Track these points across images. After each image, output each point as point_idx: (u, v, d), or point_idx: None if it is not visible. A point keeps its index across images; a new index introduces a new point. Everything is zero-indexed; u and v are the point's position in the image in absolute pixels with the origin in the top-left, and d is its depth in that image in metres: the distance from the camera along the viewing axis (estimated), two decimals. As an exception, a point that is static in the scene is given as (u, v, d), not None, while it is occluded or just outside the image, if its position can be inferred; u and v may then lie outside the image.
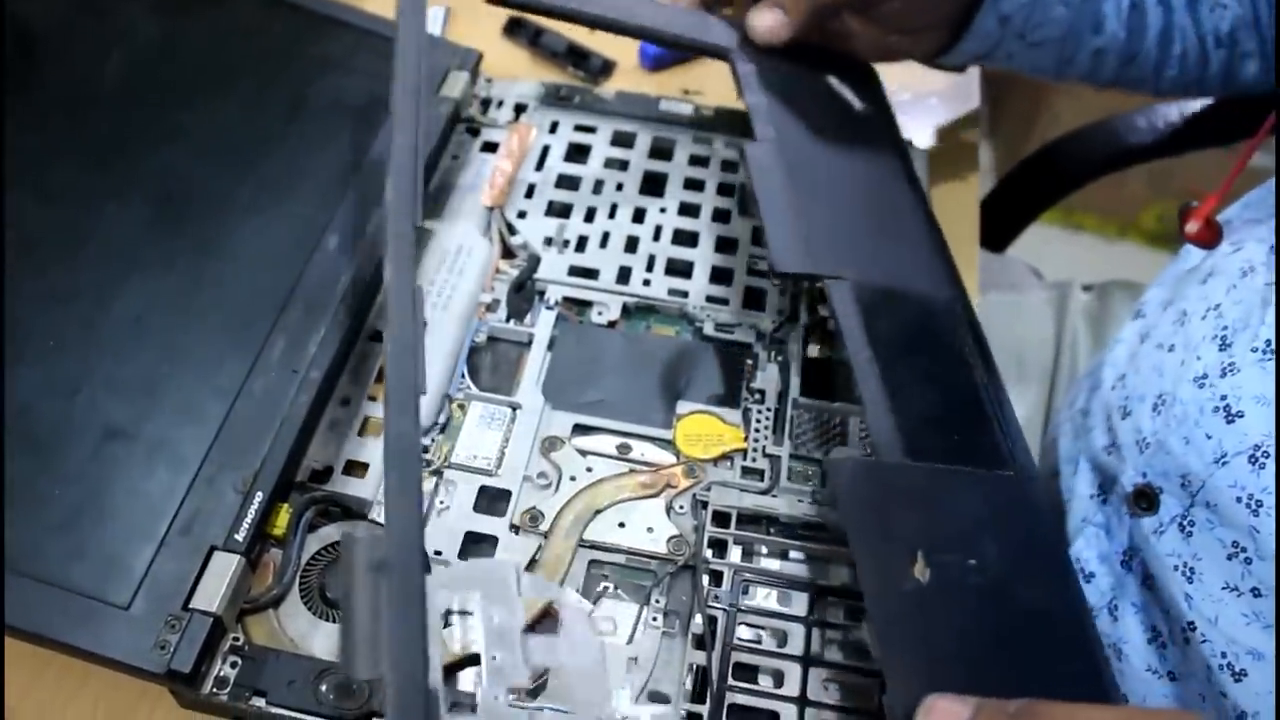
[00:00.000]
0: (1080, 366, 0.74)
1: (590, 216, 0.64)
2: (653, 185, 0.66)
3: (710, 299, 0.61)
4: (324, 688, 0.44)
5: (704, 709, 0.46)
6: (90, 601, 0.44)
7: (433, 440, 0.53)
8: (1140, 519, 0.49)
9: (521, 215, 0.63)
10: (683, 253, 0.62)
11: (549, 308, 0.59)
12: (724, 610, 0.49)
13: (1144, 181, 1.62)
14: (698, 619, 0.49)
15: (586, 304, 0.60)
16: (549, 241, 0.62)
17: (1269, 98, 0.65)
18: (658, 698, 0.47)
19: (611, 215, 0.64)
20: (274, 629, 0.47)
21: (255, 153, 0.59)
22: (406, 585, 0.35)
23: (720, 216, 0.64)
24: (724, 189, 0.66)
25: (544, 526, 0.51)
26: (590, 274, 0.61)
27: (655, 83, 0.75)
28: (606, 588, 0.50)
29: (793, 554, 0.52)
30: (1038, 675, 0.44)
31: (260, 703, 0.44)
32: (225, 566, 0.45)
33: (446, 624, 0.43)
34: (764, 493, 0.53)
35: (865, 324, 0.51)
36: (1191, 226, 0.54)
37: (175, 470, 0.47)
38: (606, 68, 0.75)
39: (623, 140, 0.68)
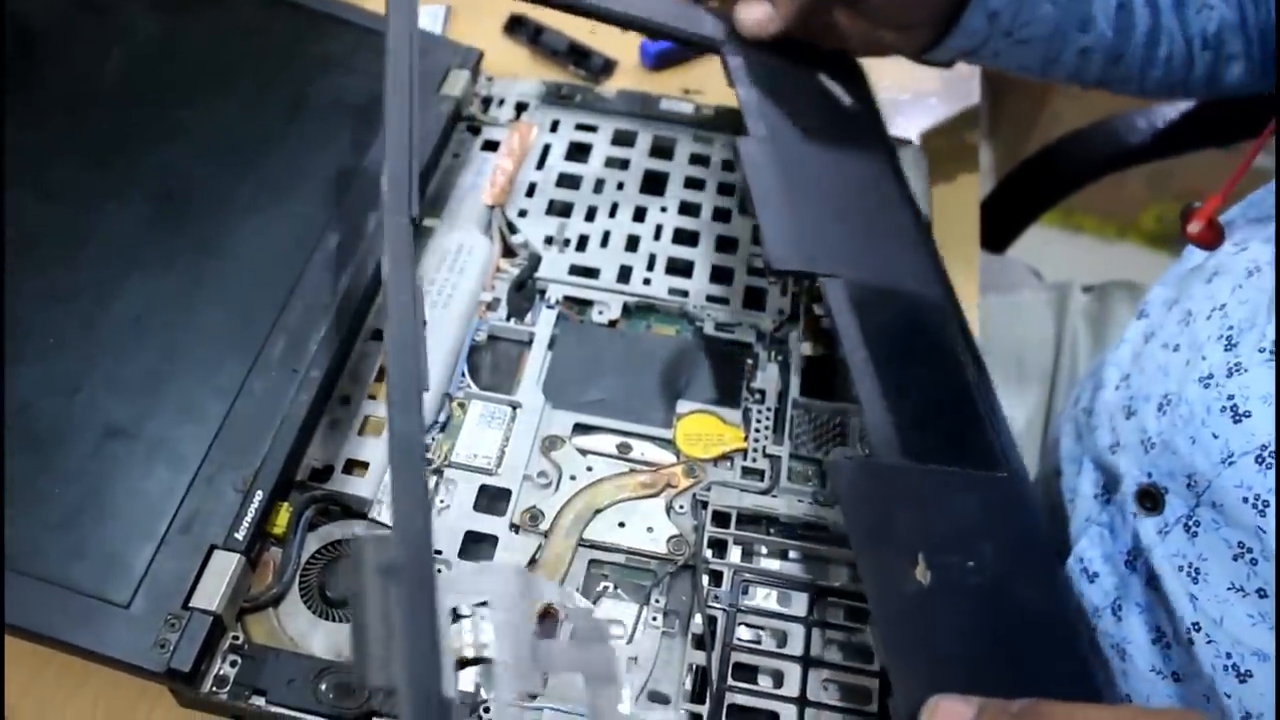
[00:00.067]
0: (1080, 367, 0.74)
1: (591, 215, 0.64)
2: (653, 184, 0.66)
3: (710, 298, 0.61)
4: (324, 686, 0.44)
5: (704, 709, 0.46)
6: (90, 600, 0.44)
7: (433, 439, 0.53)
8: (1145, 519, 0.49)
9: (522, 214, 0.63)
10: (683, 252, 0.62)
11: (549, 307, 0.59)
12: (724, 610, 0.49)
13: (1143, 183, 1.62)
14: (697, 619, 0.49)
15: (587, 303, 0.60)
16: (550, 240, 0.62)
17: (1269, 99, 0.65)
18: (657, 698, 0.47)
19: (612, 214, 0.64)
20: (274, 628, 0.47)
21: (256, 152, 0.58)
22: (417, 589, 0.34)
23: (721, 216, 0.64)
24: (724, 188, 0.66)
25: (544, 526, 0.51)
26: (591, 273, 0.61)
27: (656, 82, 0.75)
28: (606, 587, 0.50)
29: (792, 554, 0.52)
30: (1034, 675, 0.44)
31: (260, 701, 0.44)
32: (225, 565, 0.45)
33: (457, 628, 0.43)
34: (764, 493, 0.53)
35: (860, 323, 0.51)
36: (1194, 227, 0.54)
37: (175, 469, 0.47)
38: (607, 67, 0.75)
39: (623, 139, 0.68)
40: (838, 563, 0.51)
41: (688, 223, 0.64)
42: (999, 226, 0.90)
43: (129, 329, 0.51)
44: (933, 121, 0.76)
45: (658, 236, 0.63)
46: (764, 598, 0.50)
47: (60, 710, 0.48)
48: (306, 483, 0.51)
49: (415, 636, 0.33)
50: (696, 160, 0.67)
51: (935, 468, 0.48)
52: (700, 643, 0.48)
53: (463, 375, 0.56)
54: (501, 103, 0.69)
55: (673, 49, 0.75)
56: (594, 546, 0.51)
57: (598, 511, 0.51)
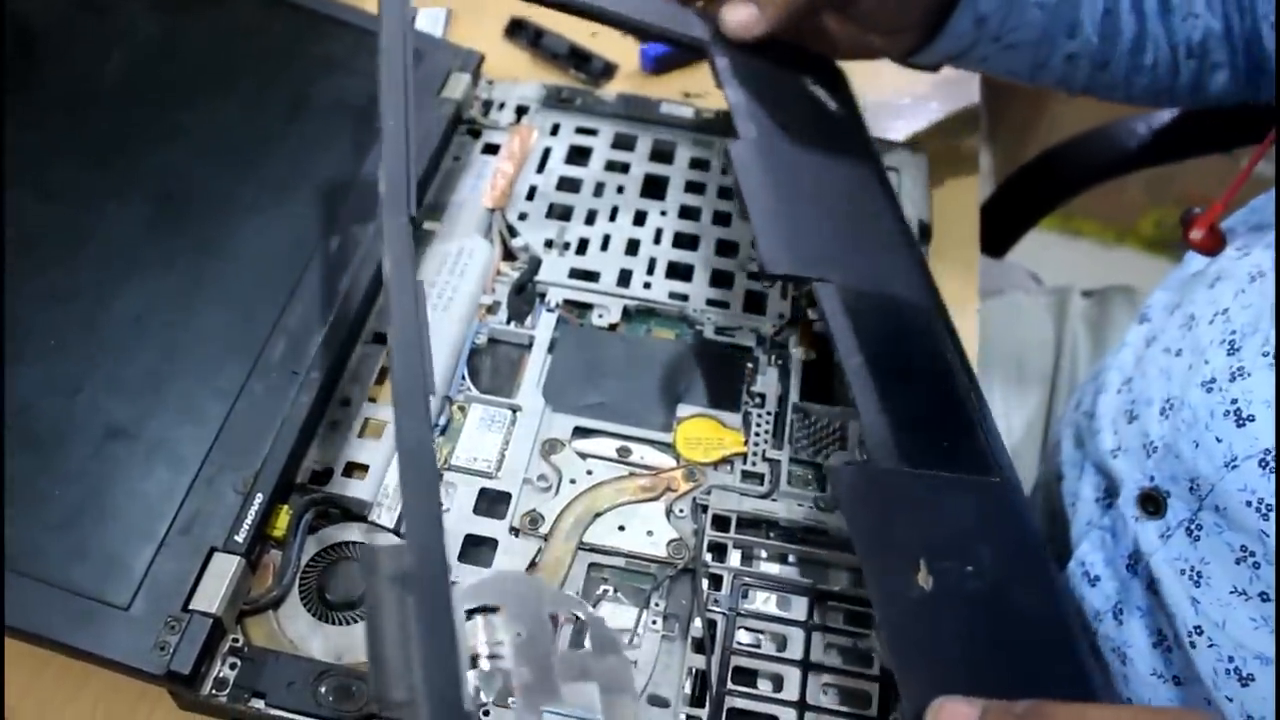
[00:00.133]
0: (1080, 372, 0.74)
1: (591, 219, 0.64)
2: (653, 188, 0.66)
3: (710, 302, 0.61)
4: (323, 689, 0.44)
5: (703, 713, 0.46)
6: (90, 602, 0.44)
7: (433, 442, 0.53)
8: (1146, 523, 0.49)
9: (522, 217, 0.63)
10: (683, 256, 0.62)
11: (550, 310, 0.59)
12: (723, 614, 0.49)
13: (1142, 188, 1.63)
14: (697, 623, 0.49)
15: (587, 306, 0.60)
16: (550, 244, 0.62)
17: (1269, 107, 0.65)
18: (657, 701, 0.47)
19: (612, 218, 0.64)
20: (273, 630, 0.47)
21: (256, 153, 0.58)
22: (434, 599, 0.34)
23: (721, 219, 0.64)
24: (725, 192, 0.66)
25: (544, 529, 0.51)
26: (591, 277, 0.61)
27: (656, 85, 0.75)
28: (606, 591, 0.50)
29: (792, 558, 0.52)
30: (1034, 677, 0.44)
31: (259, 704, 0.44)
32: (225, 568, 0.45)
33: (473, 640, 0.43)
34: (764, 497, 0.53)
35: (854, 328, 0.51)
36: (1196, 234, 0.54)
37: (176, 471, 0.47)
38: (608, 70, 0.75)
39: (624, 143, 0.68)
40: (837, 567, 0.51)
41: (688, 226, 0.64)
42: (999, 231, 0.90)
43: (129, 330, 0.51)
44: (933, 119, 0.76)
45: (658, 240, 0.63)
46: (764, 602, 0.50)
47: (60, 712, 0.48)
48: (306, 485, 0.51)
49: (434, 648, 0.33)
50: (697, 164, 0.67)
51: (931, 473, 0.48)
52: (700, 646, 0.48)
53: (463, 378, 0.56)
54: (502, 106, 0.69)
55: (673, 53, 0.75)
56: (594, 550, 0.51)
57: (597, 515, 0.51)
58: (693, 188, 0.66)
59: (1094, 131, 0.88)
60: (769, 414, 0.56)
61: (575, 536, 0.51)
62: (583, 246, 0.62)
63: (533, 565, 0.50)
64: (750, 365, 0.58)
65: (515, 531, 0.51)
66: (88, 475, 0.47)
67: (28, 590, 0.44)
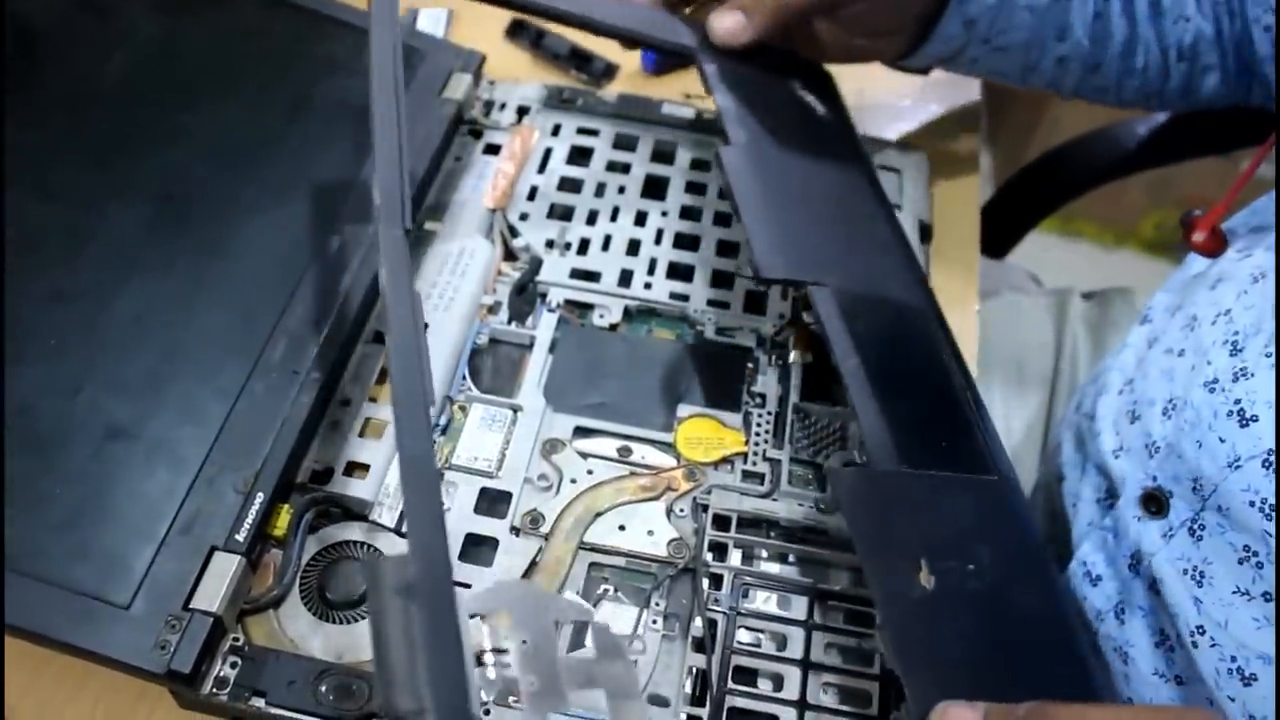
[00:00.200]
0: (1080, 373, 0.74)
1: (592, 219, 0.64)
2: (654, 188, 0.66)
3: (711, 302, 0.61)
4: (324, 688, 0.44)
5: (704, 712, 0.46)
6: (90, 601, 0.44)
7: (434, 442, 0.53)
8: (1149, 523, 0.49)
9: (523, 218, 0.63)
10: (684, 256, 0.63)
11: (550, 310, 0.59)
12: (724, 613, 0.49)
13: (1142, 190, 1.63)
14: (697, 622, 0.49)
15: (588, 307, 0.60)
16: (551, 244, 0.62)
17: (1265, 108, 0.65)
18: (657, 700, 0.47)
19: (613, 218, 0.64)
20: (274, 629, 0.47)
21: (257, 153, 0.59)
22: (439, 608, 0.34)
23: (721, 220, 0.64)
24: (726, 193, 0.66)
25: (544, 529, 0.51)
26: (592, 277, 0.61)
27: (657, 86, 0.75)
28: (607, 590, 0.50)
29: (792, 558, 0.52)
30: (1035, 677, 0.44)
31: (260, 703, 0.44)
32: (226, 567, 0.45)
33: (480, 650, 0.43)
34: (764, 496, 0.53)
35: (850, 331, 0.52)
36: (1198, 236, 0.54)
37: (176, 470, 0.47)
38: (609, 71, 0.75)
39: (625, 143, 0.68)
40: (838, 566, 0.51)
41: (689, 227, 0.64)
42: (999, 232, 0.90)
43: (130, 330, 0.51)
44: (934, 118, 0.76)
45: (659, 241, 0.63)
46: (764, 601, 0.50)
47: (60, 712, 0.48)
48: (307, 485, 0.51)
49: (440, 658, 0.33)
50: (697, 165, 0.67)
51: (930, 473, 0.49)
52: (700, 646, 0.48)
53: (464, 378, 0.56)
54: (503, 106, 0.69)
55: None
56: (594, 549, 0.51)
57: (598, 514, 0.52)
58: (693, 188, 0.66)
59: (1094, 133, 0.88)
60: (769, 414, 0.56)
61: (576, 536, 0.51)
62: (584, 247, 0.62)
63: (533, 565, 0.50)
64: (750, 365, 0.58)
65: (516, 531, 0.51)
66: (88, 475, 0.47)
67: (29, 589, 0.44)
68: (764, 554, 0.52)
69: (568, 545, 0.50)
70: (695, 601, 0.49)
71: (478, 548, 0.50)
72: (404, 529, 0.50)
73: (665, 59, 0.76)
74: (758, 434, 0.55)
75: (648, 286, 0.61)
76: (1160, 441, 0.50)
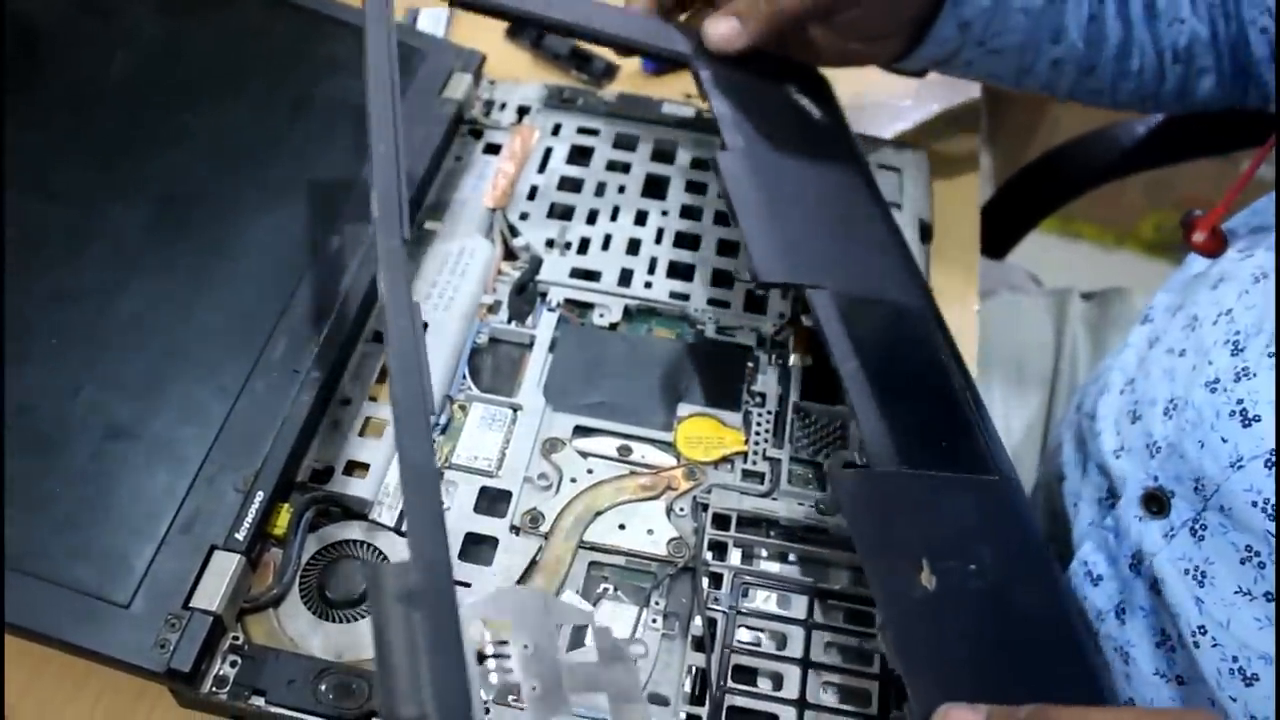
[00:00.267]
0: (1080, 373, 0.74)
1: (592, 219, 0.64)
2: (654, 188, 0.66)
3: (711, 302, 0.61)
4: (323, 687, 0.44)
5: (703, 711, 0.46)
6: (91, 600, 0.44)
7: (434, 448, 0.53)
8: (1150, 523, 0.49)
9: (524, 217, 0.64)
10: (684, 255, 0.63)
11: (550, 309, 0.59)
12: (723, 612, 0.49)
13: (1141, 191, 1.63)
14: (697, 621, 0.49)
15: (588, 306, 0.60)
16: (551, 243, 0.62)
17: (1263, 109, 0.65)
18: (657, 699, 0.47)
19: (613, 218, 0.64)
20: (274, 628, 0.47)
21: (258, 153, 0.59)
22: (440, 616, 0.34)
23: (722, 219, 0.64)
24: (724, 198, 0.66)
25: (544, 528, 0.51)
26: (592, 276, 0.61)
27: (657, 86, 0.75)
28: (606, 589, 0.50)
29: (792, 557, 0.52)
30: (1039, 677, 0.44)
31: (260, 702, 0.44)
32: (225, 566, 0.45)
33: (482, 656, 0.43)
34: (764, 495, 0.53)
35: (849, 333, 0.52)
36: (1198, 236, 0.54)
37: (176, 469, 0.47)
38: (609, 71, 0.75)
39: (625, 143, 0.68)
40: (837, 566, 0.51)
41: (689, 226, 0.64)
42: (999, 232, 0.90)
43: (131, 330, 0.51)
44: (933, 116, 0.76)
45: (659, 240, 0.63)
46: (764, 600, 0.50)
47: (60, 711, 0.48)
48: (307, 484, 0.51)
49: (442, 663, 0.33)
50: (697, 164, 0.67)
51: (931, 473, 0.49)
52: (700, 645, 0.48)
53: (464, 377, 0.56)
54: (503, 106, 0.69)
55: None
56: (594, 549, 0.51)
57: (598, 514, 0.52)
58: (694, 188, 0.66)
59: (1094, 133, 0.88)
60: (769, 413, 0.56)
61: (576, 535, 0.51)
62: (584, 246, 0.62)
63: (533, 564, 0.50)
64: (751, 364, 0.58)
65: (516, 530, 0.51)
66: (89, 474, 0.47)
67: (29, 588, 0.44)
68: (764, 553, 0.52)
69: (567, 544, 0.50)
70: (695, 600, 0.49)
71: (477, 547, 0.50)
72: (404, 528, 0.50)
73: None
74: (758, 433, 0.55)
75: (648, 286, 0.61)
76: (1161, 441, 0.50)
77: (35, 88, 0.58)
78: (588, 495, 0.52)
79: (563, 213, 0.64)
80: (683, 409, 0.56)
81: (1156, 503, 0.50)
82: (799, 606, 0.50)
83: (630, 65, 0.76)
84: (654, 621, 0.49)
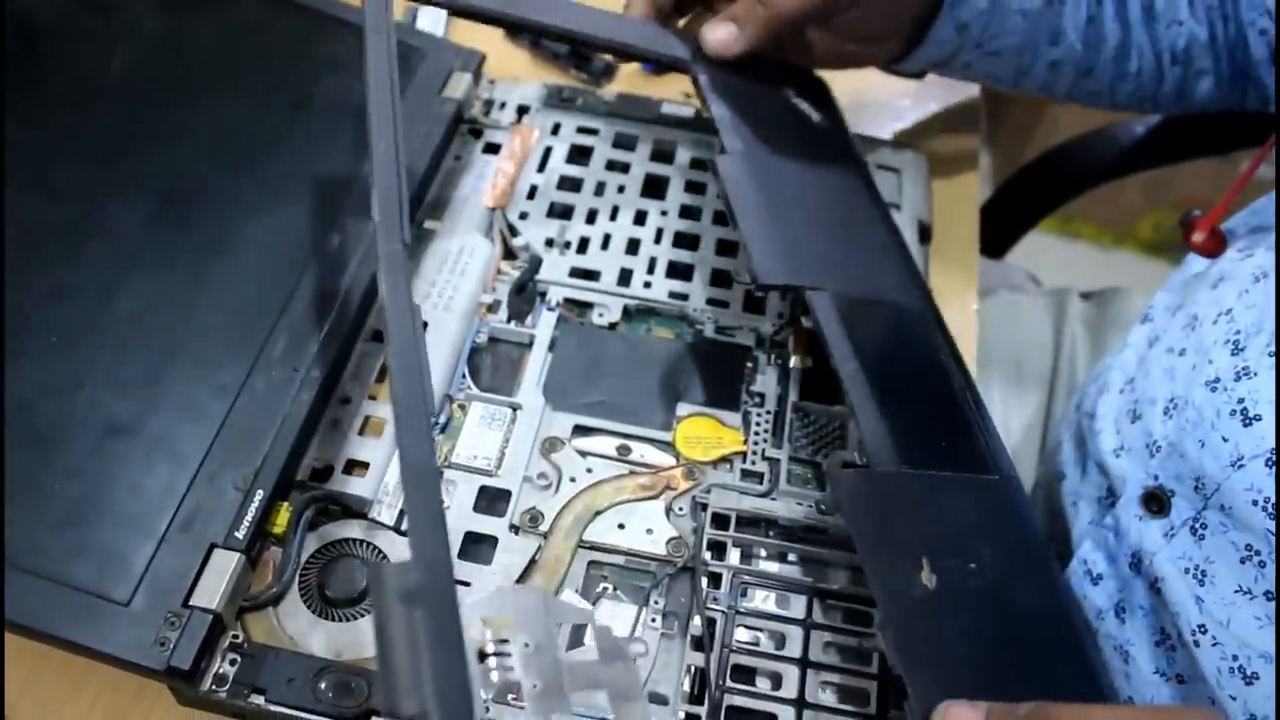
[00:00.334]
0: (1079, 373, 0.74)
1: (592, 218, 0.64)
2: (654, 188, 0.66)
3: (710, 301, 0.61)
4: (323, 685, 0.45)
5: (702, 710, 0.46)
6: (90, 597, 0.44)
7: (435, 447, 0.53)
8: (1150, 522, 0.50)
9: (523, 216, 0.64)
10: (683, 255, 0.63)
11: (550, 309, 0.59)
12: (722, 612, 0.49)
13: (1140, 191, 1.63)
14: (696, 621, 0.49)
15: (587, 305, 0.60)
16: (550, 243, 0.62)
17: (1262, 110, 0.65)
18: (656, 699, 0.47)
19: (613, 217, 0.64)
20: (273, 627, 0.47)
21: (258, 151, 0.59)
22: (441, 613, 0.34)
23: (721, 219, 0.65)
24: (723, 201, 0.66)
25: (544, 527, 0.51)
26: (591, 276, 0.61)
27: (657, 85, 0.75)
28: (606, 589, 0.50)
29: (791, 557, 0.52)
30: (1039, 675, 0.44)
31: (259, 700, 0.44)
32: (225, 564, 0.45)
33: (483, 654, 0.43)
34: (763, 495, 0.53)
35: (849, 334, 0.52)
36: (1198, 236, 0.55)
37: (176, 467, 0.47)
38: (608, 70, 0.75)
39: (624, 143, 0.68)
40: (836, 565, 0.51)
41: (688, 226, 0.64)
42: (998, 232, 0.90)
43: (131, 327, 0.51)
44: (930, 114, 0.76)
45: (658, 240, 0.63)
46: (762, 600, 0.50)
47: (59, 709, 0.48)
48: (307, 482, 0.51)
49: (443, 660, 0.33)
50: (697, 164, 0.67)
51: (931, 473, 0.49)
52: (699, 644, 0.48)
53: (463, 377, 0.56)
54: (503, 105, 0.69)
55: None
56: (593, 548, 0.51)
57: (597, 513, 0.52)
58: (693, 187, 0.66)
59: (1093, 133, 0.88)
60: (768, 413, 0.56)
61: (575, 534, 0.51)
62: (583, 245, 0.62)
63: (532, 563, 0.50)
64: (750, 364, 0.58)
65: (515, 529, 0.51)
66: (88, 471, 0.47)
67: (28, 586, 0.44)
68: (763, 553, 0.52)
69: (567, 543, 0.50)
70: (694, 600, 0.49)
71: (477, 546, 0.50)
72: (404, 527, 0.50)
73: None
74: (757, 433, 0.55)
75: (647, 285, 0.61)
76: (1162, 441, 0.50)
77: (35, 84, 0.58)
78: (587, 495, 0.52)
79: (562, 212, 0.64)
80: (682, 409, 0.56)
81: (1156, 502, 0.50)
82: (798, 606, 0.50)
83: (629, 65, 0.76)
84: (653, 621, 0.49)
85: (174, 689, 0.46)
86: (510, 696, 0.45)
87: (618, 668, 0.44)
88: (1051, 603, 0.47)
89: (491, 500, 0.52)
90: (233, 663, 0.45)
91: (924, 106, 0.77)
